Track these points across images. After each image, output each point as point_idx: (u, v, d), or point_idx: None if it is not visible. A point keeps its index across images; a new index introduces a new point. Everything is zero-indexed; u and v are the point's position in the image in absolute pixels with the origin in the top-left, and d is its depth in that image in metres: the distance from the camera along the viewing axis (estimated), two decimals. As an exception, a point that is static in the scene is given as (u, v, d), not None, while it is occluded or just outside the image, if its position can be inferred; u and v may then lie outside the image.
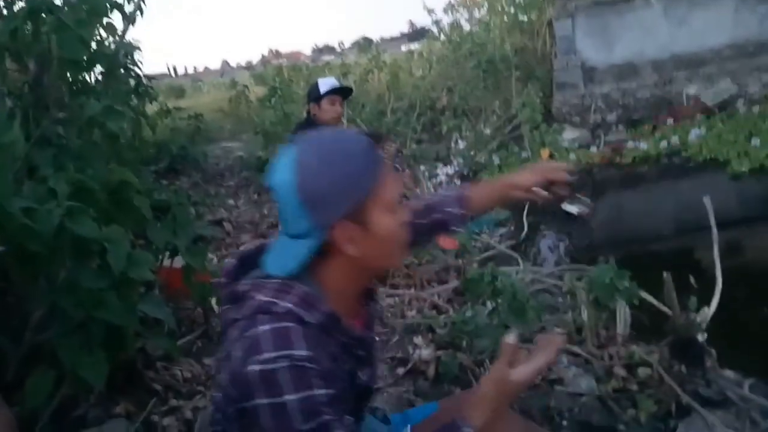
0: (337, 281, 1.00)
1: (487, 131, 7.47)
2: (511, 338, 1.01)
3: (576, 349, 2.39)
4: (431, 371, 2.24)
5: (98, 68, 2.83)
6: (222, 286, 1.01)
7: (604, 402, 2.12)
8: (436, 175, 6.65)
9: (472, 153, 7.15)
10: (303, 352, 0.88)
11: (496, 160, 6.76)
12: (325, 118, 3.68)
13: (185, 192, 5.01)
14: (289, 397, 0.86)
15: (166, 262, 2.65)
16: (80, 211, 1.78)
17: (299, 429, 0.86)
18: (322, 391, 0.88)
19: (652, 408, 2.03)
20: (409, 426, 1.21)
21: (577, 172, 1.23)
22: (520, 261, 3.55)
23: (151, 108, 7.27)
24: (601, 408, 2.10)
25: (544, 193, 1.31)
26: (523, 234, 4.61)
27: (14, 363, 1.91)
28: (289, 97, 6.47)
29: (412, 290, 3.13)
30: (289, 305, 0.92)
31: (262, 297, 0.93)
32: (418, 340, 2.53)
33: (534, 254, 4.58)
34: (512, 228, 4.98)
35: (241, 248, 1.06)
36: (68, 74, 2.24)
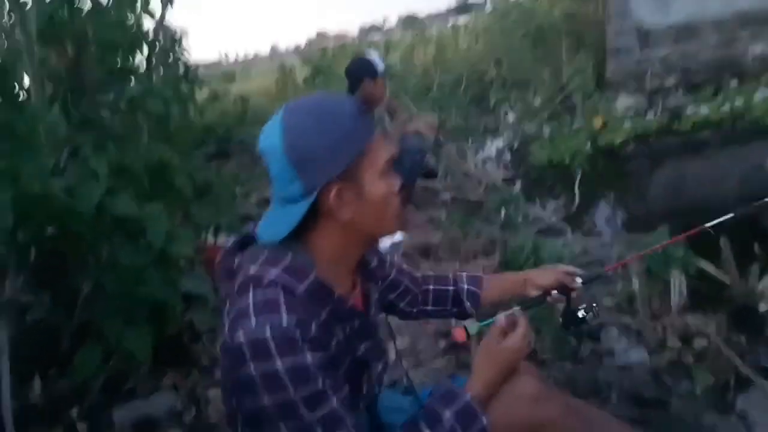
0: (329, 248, 0.99)
1: (537, 102, 7.25)
2: (502, 320, 1.09)
3: (627, 320, 2.29)
4: (473, 345, 2.20)
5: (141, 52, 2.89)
6: (220, 263, 1.01)
7: (656, 374, 2.02)
8: (484, 149, 6.52)
9: (521, 125, 6.96)
10: (287, 320, 0.87)
11: (546, 131, 6.56)
12: (379, 96, 3.64)
13: (233, 173, 5.11)
14: (279, 364, 0.85)
15: (210, 241, 2.70)
16: (119, 190, 1.82)
17: (292, 398, 0.86)
18: (310, 358, 0.87)
19: (708, 380, 1.93)
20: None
21: (590, 278, 1.31)
22: (569, 232, 3.43)
23: (201, 94, 7.46)
24: (653, 380, 2.01)
25: (558, 295, 1.30)
26: (575, 205, 4.45)
27: (67, 338, 1.99)
28: (332, 76, 6.46)
29: (456, 264, 3.07)
30: (277, 275, 0.92)
31: (252, 269, 0.93)
32: (461, 313, 2.48)
33: (588, 226, 4.43)
34: (564, 200, 4.84)
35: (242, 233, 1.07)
36: (107, 58, 2.28)
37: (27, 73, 1.85)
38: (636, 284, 2.32)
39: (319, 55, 7.98)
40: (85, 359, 1.78)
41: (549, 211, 4.44)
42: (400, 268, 1.31)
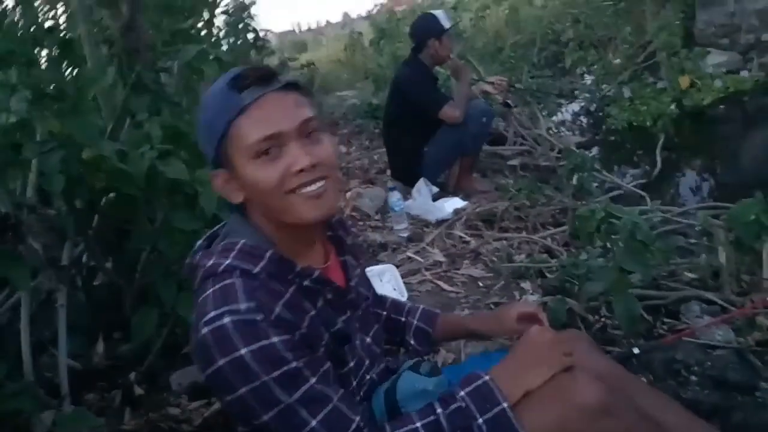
0: (267, 227, 0.96)
1: (617, 61, 6.79)
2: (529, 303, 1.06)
3: (711, 296, 2.08)
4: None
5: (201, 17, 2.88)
6: (185, 266, 1.00)
7: (742, 356, 1.83)
8: (558, 113, 6.20)
9: (599, 87, 6.55)
10: (245, 305, 0.84)
11: (626, 92, 6.13)
12: (444, 54, 3.48)
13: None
14: (244, 351, 0.82)
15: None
16: (171, 154, 1.80)
17: (265, 382, 0.82)
18: (276, 339, 0.83)
19: (802, 364, 1.73)
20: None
21: (648, 349, 1.26)
22: (648, 200, 3.18)
23: (271, 61, 7.50)
24: (740, 362, 1.81)
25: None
26: (656, 171, 4.14)
27: (129, 302, 2.02)
28: (398, 37, 6.30)
29: (523, 233, 2.92)
30: (231, 261, 0.89)
31: (208, 263, 0.91)
32: (525, 285, 2.35)
33: (671, 194, 4.13)
34: (644, 166, 4.53)
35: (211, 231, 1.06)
36: (164, 20, 2.26)
37: (82, 36, 1.85)
38: (722, 256, 2.11)
39: (386, 18, 7.79)
40: (141, 323, 1.80)
41: (627, 178, 4.17)
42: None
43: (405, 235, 2.98)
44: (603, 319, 2.07)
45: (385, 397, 1.03)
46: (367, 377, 1.06)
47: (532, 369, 0.96)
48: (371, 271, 2.45)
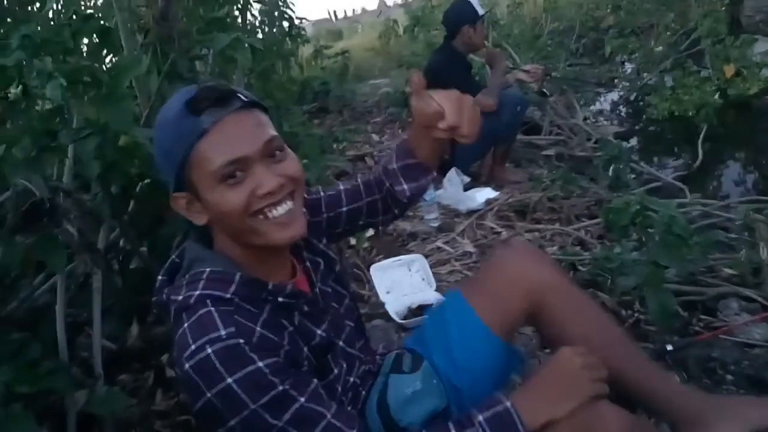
0: (233, 250, 0.94)
1: (659, 49, 6.59)
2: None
3: (750, 293, 2.02)
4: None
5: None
6: (155, 304, 0.98)
7: (782, 356, 1.77)
8: (596, 102, 6.06)
9: (640, 75, 6.38)
10: (224, 332, 0.82)
11: (668, 81, 5.95)
12: (479, 42, 3.43)
13: (330, 128, 5.11)
14: (231, 379, 0.80)
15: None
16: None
17: (253, 408, 0.80)
18: (261, 363, 0.81)
19: None
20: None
21: (681, 345, 1.24)
22: (687, 192, 3.09)
23: (306, 50, 7.52)
24: (778, 363, 1.76)
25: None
26: (697, 163, 4.01)
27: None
28: (432, 25, 6.23)
29: (556, 225, 2.87)
30: (201, 291, 0.87)
31: (178, 297, 0.89)
32: (556, 277, 2.31)
33: (713, 187, 4.01)
34: (685, 158, 4.40)
35: (167, 262, 1.03)
36: (199, 8, 2.28)
37: (119, 24, 1.88)
38: (763, 252, 2.03)
39: (422, 6, 7.72)
40: (173, 306, 1.84)
41: (667, 170, 4.05)
42: (329, 200, 1.19)
43: (435, 224, 2.96)
44: (636, 314, 2.03)
45: (379, 412, 1.02)
46: (350, 381, 1.06)
47: (558, 398, 0.93)
48: (400, 260, 2.45)
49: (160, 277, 1.00)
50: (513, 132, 3.52)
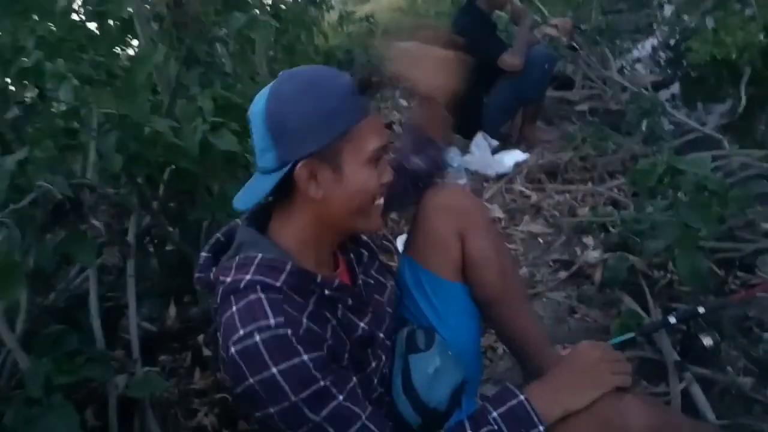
0: (301, 232, 0.95)
1: (700, -11, 6.24)
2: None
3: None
4: (597, 275, 2.01)
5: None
6: (198, 281, 0.97)
7: (824, 314, 1.71)
8: (633, 50, 5.81)
9: (680, 18, 6.06)
10: (273, 320, 0.83)
11: (710, 22, 5.64)
12: None
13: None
14: (276, 369, 0.81)
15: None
16: (222, 125, 1.84)
17: (294, 401, 0.82)
18: (306, 357, 0.82)
19: None
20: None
21: (715, 308, 1.22)
22: (726, 143, 2.96)
23: (331, 17, 7.41)
24: (819, 321, 1.71)
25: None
26: (740, 109, 3.82)
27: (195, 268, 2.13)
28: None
29: (589, 185, 2.81)
30: (252, 276, 0.87)
31: (227, 279, 0.89)
32: (587, 240, 2.28)
33: (759, 133, 3.82)
34: (727, 103, 4.20)
35: (212, 239, 1.03)
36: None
37: (133, 14, 1.89)
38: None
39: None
40: (203, 289, 1.89)
41: (709, 117, 3.88)
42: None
43: (464, 191, 2.93)
44: (669, 275, 1.98)
45: (407, 395, 1.02)
46: (385, 372, 1.07)
47: (575, 389, 0.92)
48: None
49: (204, 254, 1.00)
50: (542, 90, 3.42)
